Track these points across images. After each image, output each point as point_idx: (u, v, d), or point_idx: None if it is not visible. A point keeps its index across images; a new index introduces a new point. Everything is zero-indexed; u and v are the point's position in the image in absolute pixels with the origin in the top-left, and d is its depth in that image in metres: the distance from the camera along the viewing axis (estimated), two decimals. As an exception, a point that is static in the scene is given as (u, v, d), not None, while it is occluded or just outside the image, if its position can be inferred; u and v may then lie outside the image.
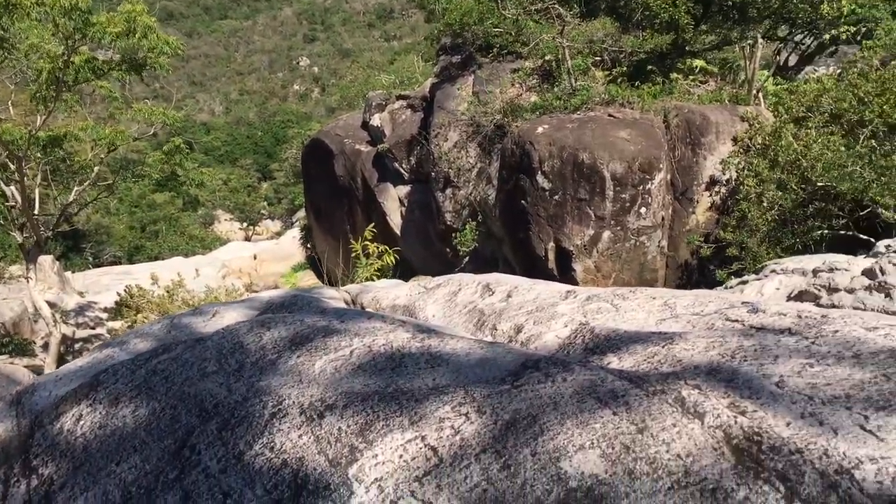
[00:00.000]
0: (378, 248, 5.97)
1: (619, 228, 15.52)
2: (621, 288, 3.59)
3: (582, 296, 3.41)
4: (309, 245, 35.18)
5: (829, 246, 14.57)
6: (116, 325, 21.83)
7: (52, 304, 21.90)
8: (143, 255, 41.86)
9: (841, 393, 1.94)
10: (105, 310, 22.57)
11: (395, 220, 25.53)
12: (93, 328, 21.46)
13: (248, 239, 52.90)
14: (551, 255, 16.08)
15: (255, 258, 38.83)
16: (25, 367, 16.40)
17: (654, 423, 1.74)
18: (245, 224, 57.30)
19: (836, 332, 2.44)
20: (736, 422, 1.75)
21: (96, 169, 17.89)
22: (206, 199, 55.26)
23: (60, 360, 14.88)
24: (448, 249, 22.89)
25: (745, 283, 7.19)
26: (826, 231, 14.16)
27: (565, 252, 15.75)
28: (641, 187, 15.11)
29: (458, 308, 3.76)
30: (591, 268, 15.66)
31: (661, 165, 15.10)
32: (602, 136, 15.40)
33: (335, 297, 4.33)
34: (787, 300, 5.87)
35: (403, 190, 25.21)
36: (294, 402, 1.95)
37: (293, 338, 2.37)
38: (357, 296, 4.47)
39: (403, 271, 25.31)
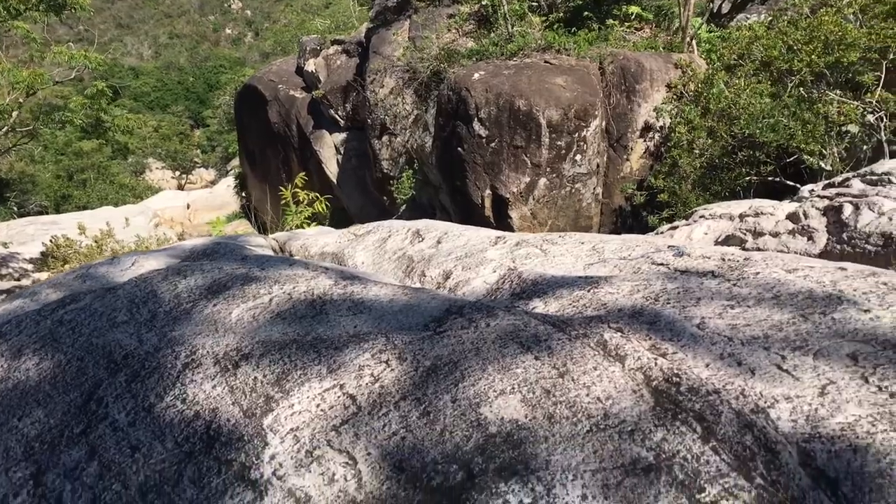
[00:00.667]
0: (309, 195, 5.84)
1: (554, 176, 15.59)
2: (551, 234, 3.58)
3: (511, 241, 3.39)
4: (244, 194, 34.58)
5: (756, 192, 14.92)
6: (42, 276, 21.17)
7: (-28, 257, 21.11)
8: (71, 204, 40.52)
9: (760, 333, 1.96)
10: (30, 261, 21.81)
11: (332, 168, 25.21)
12: (17, 279, 20.75)
13: (181, 188, 51.72)
14: (488, 203, 16.10)
15: (188, 207, 38.04)
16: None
17: (576, 367, 1.72)
18: (178, 173, 55.89)
19: (758, 273, 2.46)
20: (656, 364, 1.74)
21: (14, 114, 17.11)
22: (136, 147, 53.64)
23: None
24: (385, 197, 22.75)
25: (675, 228, 7.29)
26: (753, 178, 14.49)
27: (502, 199, 15.78)
28: (577, 134, 15.16)
29: (388, 255, 3.70)
30: (527, 215, 15.74)
31: (596, 112, 15.14)
32: (538, 83, 15.34)
33: (262, 244, 4.23)
34: (715, 244, 5.97)
35: (339, 137, 24.86)
36: (208, 351, 1.88)
37: (210, 286, 2.28)
38: (285, 243, 4.37)
39: (341, 219, 25.18)
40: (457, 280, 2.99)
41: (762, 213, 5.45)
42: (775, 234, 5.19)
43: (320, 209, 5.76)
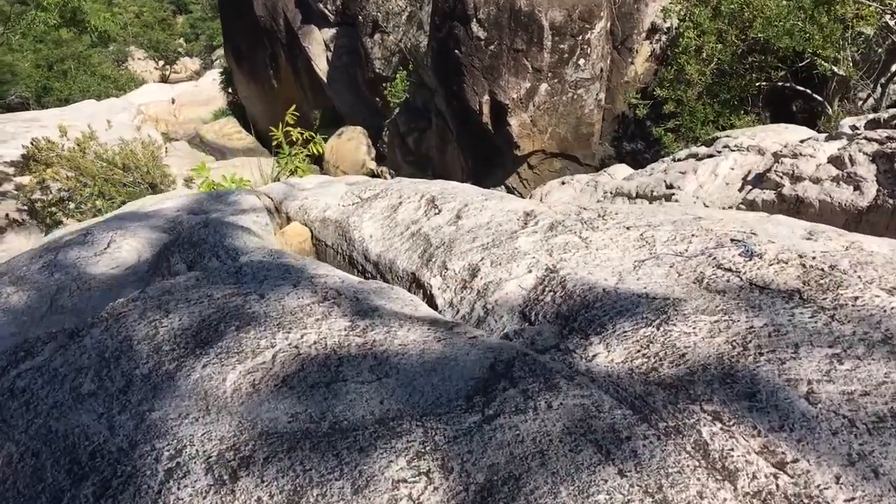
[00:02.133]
0: (302, 134, 5.31)
1: (556, 81, 14.91)
2: (587, 208, 3.13)
3: (544, 222, 2.94)
4: (230, 90, 33.50)
5: (765, 99, 14.35)
6: (24, 180, 20.53)
7: (-49, 160, 20.42)
8: (53, 97, 39.35)
9: (885, 411, 1.57)
10: (11, 164, 21.10)
11: (321, 65, 24.24)
12: (-1, 185, 20.13)
13: (164, 79, 50.10)
14: (486, 109, 15.45)
15: (173, 103, 36.93)
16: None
17: (675, 494, 1.33)
18: (161, 63, 53.99)
19: (857, 299, 2.05)
20: (778, 486, 1.35)
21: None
22: (116, 35, 51.60)
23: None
24: (378, 99, 21.94)
25: (695, 156, 6.82)
26: (763, 84, 13.89)
27: (501, 106, 15.13)
28: (581, 37, 14.39)
29: (400, 229, 3.25)
30: (526, 122, 15.15)
31: (601, 13, 14.34)
32: (541, -18, 14.44)
33: (256, 206, 3.76)
34: (745, 184, 5.53)
35: (329, 33, 23.80)
36: (198, 450, 1.47)
37: (199, 330, 1.85)
38: (282, 203, 3.90)
39: (332, 120, 24.36)
40: (486, 281, 2.57)
41: (801, 153, 4.98)
42: (816, 181, 4.74)
43: (316, 151, 5.25)
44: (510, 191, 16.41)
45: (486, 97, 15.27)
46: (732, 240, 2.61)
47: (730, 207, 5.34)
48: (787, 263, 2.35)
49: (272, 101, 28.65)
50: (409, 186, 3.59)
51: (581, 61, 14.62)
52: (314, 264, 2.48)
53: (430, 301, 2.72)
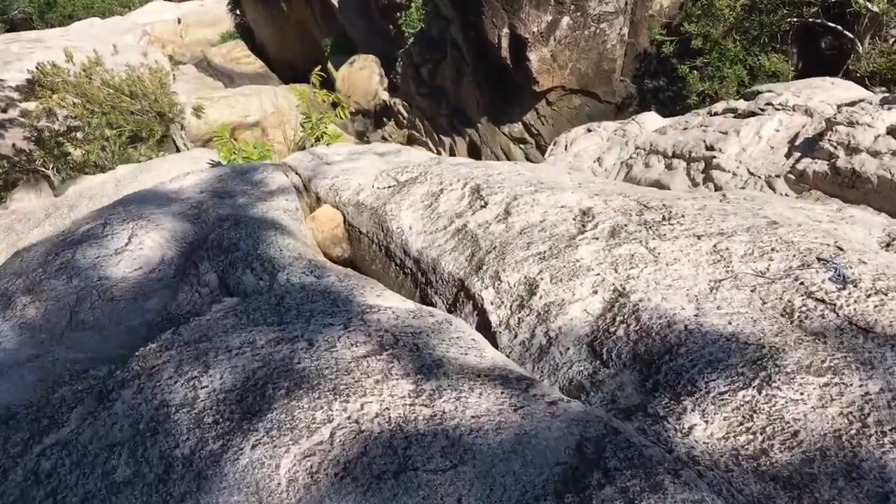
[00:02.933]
0: (328, 96, 4.98)
1: (578, 14, 14.36)
2: (650, 205, 2.87)
3: (604, 226, 2.69)
4: (238, 11, 32.60)
5: (794, 37, 13.82)
6: (31, 106, 20.13)
7: (-45, 85, 20.01)
8: (56, 13, 38.53)
9: None
10: (16, 88, 20.67)
11: (333, -10, 23.48)
12: (3, 110, 19.76)
13: (170, -4, 48.78)
14: (505, 43, 14.93)
15: (179, 23, 36.03)
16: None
17: None
18: (166, -24, 52.49)
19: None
20: None
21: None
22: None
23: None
24: (391, 27, 21.30)
25: (734, 111, 6.48)
26: (794, 20, 13.35)
27: (520, 40, 14.60)
28: (606, -32, 13.79)
29: (443, 222, 3.00)
30: (546, 57, 14.64)
31: (629, -57, 13.68)
32: None
33: (284, 186, 3.50)
34: (792, 150, 5.23)
35: (340, -44, 22.95)
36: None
37: (244, 394, 1.63)
38: (311, 181, 3.63)
39: (345, 47, 23.67)
40: (546, 301, 2.33)
41: (857, 122, 4.66)
42: (875, 154, 4.44)
43: (343, 115, 4.94)
44: (527, 128, 16.02)
45: (506, 30, 14.72)
46: (819, 258, 2.36)
47: (777, 176, 5.05)
48: (886, 295, 2.11)
49: (282, 26, 27.88)
50: (450, 170, 3.32)
51: (605, -6, 14.06)
52: (360, 287, 2.24)
53: (482, 316, 2.49)
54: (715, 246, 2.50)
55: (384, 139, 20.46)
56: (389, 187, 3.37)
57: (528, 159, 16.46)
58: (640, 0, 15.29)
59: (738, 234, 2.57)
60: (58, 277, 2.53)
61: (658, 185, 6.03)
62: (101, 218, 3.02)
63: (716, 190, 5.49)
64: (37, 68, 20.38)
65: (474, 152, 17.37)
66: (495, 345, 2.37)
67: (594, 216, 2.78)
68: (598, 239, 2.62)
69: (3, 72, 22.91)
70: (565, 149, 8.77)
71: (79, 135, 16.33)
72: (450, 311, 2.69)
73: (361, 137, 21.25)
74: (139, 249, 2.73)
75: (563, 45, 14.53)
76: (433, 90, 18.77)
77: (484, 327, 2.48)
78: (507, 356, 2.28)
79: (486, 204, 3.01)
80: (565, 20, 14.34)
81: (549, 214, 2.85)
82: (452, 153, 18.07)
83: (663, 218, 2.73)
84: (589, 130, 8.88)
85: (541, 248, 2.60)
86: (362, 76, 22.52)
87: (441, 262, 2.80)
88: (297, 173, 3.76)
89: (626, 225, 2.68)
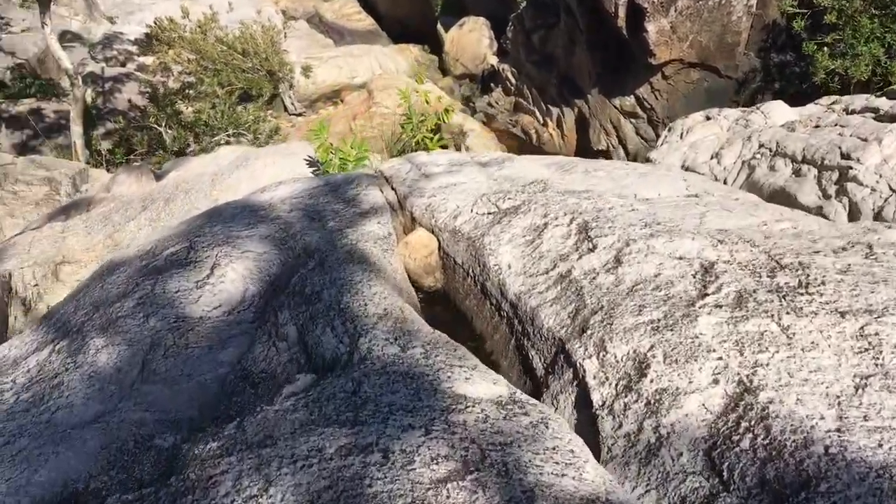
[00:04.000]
0: (428, 95, 4.72)
1: (703, -16, 13.55)
2: (781, 262, 2.51)
3: (728, 289, 2.36)
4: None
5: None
6: (148, 60, 20.67)
7: (77, 37, 20.73)
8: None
9: None
10: (135, 42, 21.23)
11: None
12: (122, 64, 20.34)
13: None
14: (622, 13, 14.28)
15: (292, -23, 36.30)
16: (54, 111, 15.64)
17: None
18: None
19: None
20: None
21: None
22: None
23: (86, 114, 14.04)
24: (504, -11, 20.77)
25: (875, 111, 5.89)
26: (945, -4, 12.22)
27: (639, 9, 13.91)
28: (736, -65, 12.92)
29: (545, 264, 2.73)
30: (665, 28, 13.92)
31: None
32: None
33: (377, 205, 3.28)
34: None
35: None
36: None
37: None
38: (406, 198, 3.41)
39: (457, 7, 23.19)
40: (658, 387, 2.04)
41: None
42: None
43: (446, 119, 4.68)
44: (640, 102, 15.34)
45: (624, -2, 14.06)
46: None
47: (926, 198, 4.52)
48: None
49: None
50: (557, 201, 3.03)
51: (733, -38, 13.20)
52: (447, 367, 2.00)
53: (583, 389, 2.23)
54: (862, 329, 2.15)
55: (490, 105, 20.09)
56: (489, 214, 3.11)
57: (638, 135, 15.83)
58: (772, -31, 14.32)
59: (890, 312, 2.20)
60: (134, 316, 2.40)
61: (783, 193, 5.55)
62: (187, 239, 2.89)
63: (850, 206, 4.99)
64: (154, 23, 20.89)
65: (583, 124, 16.83)
66: (595, 429, 2.11)
67: (717, 275, 2.46)
68: (721, 307, 2.30)
69: (123, 24, 23.56)
70: (681, 137, 8.27)
71: (191, 93, 16.64)
72: (546, 373, 2.43)
73: (468, 102, 20.93)
74: (220, 283, 2.57)
75: (684, 15, 13.76)
76: (543, 57, 18.24)
77: (584, 403, 2.22)
78: (609, 449, 2.02)
79: (595, 247, 2.72)
80: (689, -10, 13.56)
81: (665, 268, 2.54)
82: (560, 124, 17.58)
83: (799, 283, 2.38)
84: (708, 118, 8.34)
85: (654, 315, 2.30)
86: (471, 39, 22.12)
87: (541, 314, 2.53)
88: (392, 187, 3.55)
89: (754, 291, 2.35)
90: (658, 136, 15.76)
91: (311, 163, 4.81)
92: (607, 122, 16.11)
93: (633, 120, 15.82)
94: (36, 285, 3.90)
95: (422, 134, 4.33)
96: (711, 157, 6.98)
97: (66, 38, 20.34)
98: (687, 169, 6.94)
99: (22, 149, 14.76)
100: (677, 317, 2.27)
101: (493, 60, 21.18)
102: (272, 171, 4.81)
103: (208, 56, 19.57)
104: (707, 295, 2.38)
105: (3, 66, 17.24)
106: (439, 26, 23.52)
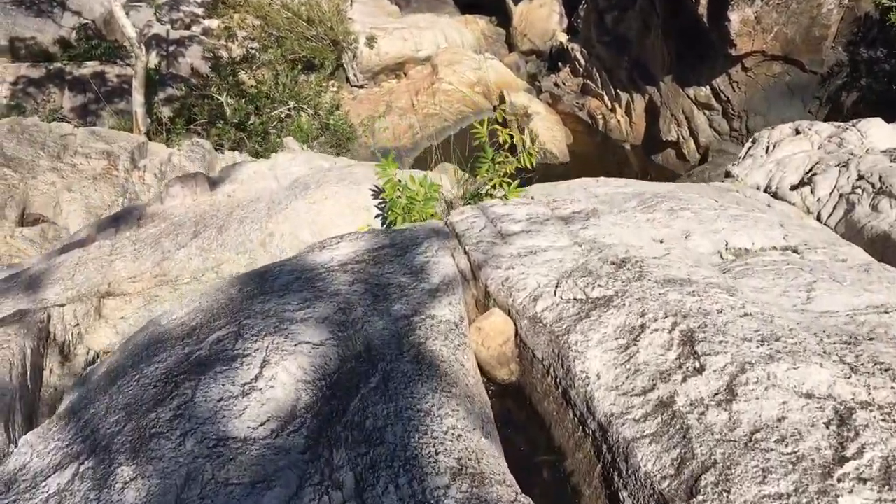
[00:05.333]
0: (512, 136, 4.29)
1: (794, -27, 12.77)
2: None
3: (872, 456, 1.95)
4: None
5: None
6: (213, 23, 20.47)
7: (144, -3, 20.57)
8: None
9: None
10: (201, 4, 21.04)
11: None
12: (187, 27, 20.16)
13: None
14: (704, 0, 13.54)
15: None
16: (117, 75, 15.53)
17: None
18: None
19: None
20: None
21: None
22: None
23: (148, 82, 13.87)
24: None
25: None
26: None
27: (723, -4, 13.18)
28: (834, -78, 12.09)
29: (641, 382, 2.34)
30: (749, 19, 13.17)
31: None
32: None
33: (448, 277, 2.91)
34: None
35: None
36: None
37: None
38: (480, 267, 3.03)
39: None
40: None
41: None
42: None
43: (528, 163, 4.26)
44: (715, 93, 14.62)
45: (707, -15, 13.33)
46: None
47: None
48: None
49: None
50: (655, 296, 2.62)
51: (829, -50, 12.38)
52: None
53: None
54: None
55: (556, 86, 19.45)
56: (576, 301, 2.72)
57: (711, 127, 15.14)
58: (869, -41, 13.41)
59: None
60: (170, 435, 2.09)
61: (887, 239, 5.03)
62: (235, 320, 2.56)
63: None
64: (225, -15, 20.67)
65: (653, 112, 16.16)
66: None
67: (857, 430, 2.04)
68: (864, 482, 1.89)
69: (191, -17, 23.34)
70: (766, 151, 7.71)
71: (254, 65, 16.39)
72: (642, 528, 2.07)
73: (533, 81, 20.31)
74: (270, 387, 2.25)
75: (770, 6, 12.98)
76: (616, 39, 17.51)
77: (691, 590, 1.85)
78: None
79: (703, 368, 2.32)
80: (778, -21, 12.78)
81: (790, 409, 2.13)
82: (629, 110, 16.92)
83: (961, 451, 1.96)
84: (797, 132, 7.75)
85: (782, 487, 1.90)
86: (541, 14, 21.39)
87: (636, 452, 2.16)
88: (464, 250, 3.18)
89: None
90: (732, 129, 15.04)
91: (377, 193, 4.46)
92: (679, 111, 15.42)
93: (706, 111, 15.11)
94: (77, 325, 3.65)
95: (498, 177, 3.93)
96: (802, 183, 6.43)
97: (133, -2, 20.24)
98: (775, 194, 6.41)
99: (83, 112, 14.69)
100: (811, 493, 1.88)
101: (563, 38, 20.47)
102: (333, 206, 4.47)
103: (273, 22, 19.28)
104: (846, 459, 1.97)
105: (70, 25, 17.17)
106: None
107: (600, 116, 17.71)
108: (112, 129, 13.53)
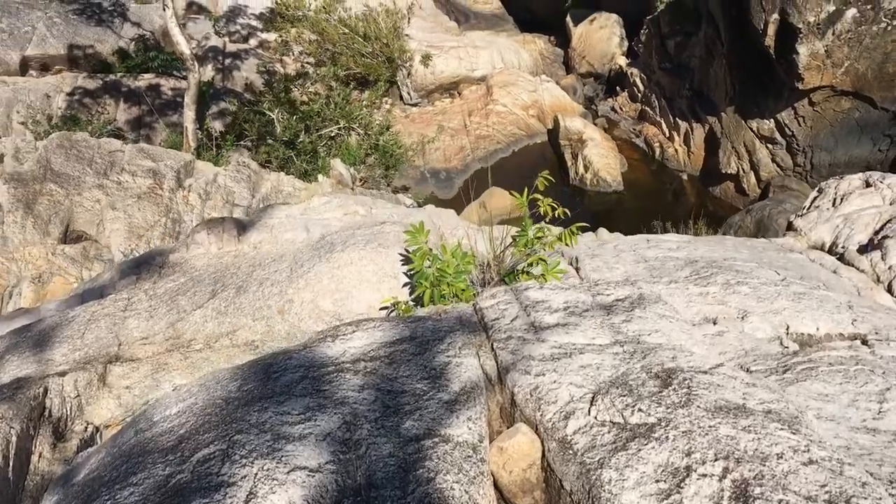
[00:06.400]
0: (553, 206, 3.98)
1: (869, 7, 12.21)
2: None
3: None
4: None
5: None
6: (270, 37, 20.50)
7: (203, 8, 20.75)
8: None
9: None
10: (258, 17, 21.09)
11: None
12: (245, 39, 20.21)
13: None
14: (771, 30, 13.05)
15: (422, -49, 35.72)
16: (171, 88, 15.59)
17: None
18: None
19: None
20: None
21: None
22: None
23: (200, 98, 13.85)
24: (640, -11, 19.58)
25: None
26: None
27: (791, 28, 12.67)
28: (915, -44, 11.51)
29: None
30: (819, 53, 12.61)
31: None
32: None
33: (471, 384, 2.60)
34: None
35: None
36: None
37: None
38: (508, 371, 2.71)
39: (588, 0, 22.00)
40: None
41: None
42: None
43: (567, 242, 3.92)
44: (780, 126, 14.04)
45: (776, 15, 12.81)
46: None
47: None
48: None
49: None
50: (704, 429, 2.27)
51: (908, -15, 11.79)
52: None
53: None
54: None
55: (613, 110, 19.01)
56: (613, 425, 2.38)
57: (773, 162, 14.55)
58: (950, -8, 12.75)
59: None
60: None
61: (970, 323, 4.55)
62: (226, 435, 2.29)
63: None
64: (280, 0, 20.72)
65: (713, 143, 15.62)
66: None
67: None
68: None
69: (249, -3, 23.47)
70: (833, 204, 7.23)
71: (307, 83, 16.30)
72: None
73: (590, 104, 19.90)
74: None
75: (842, 40, 12.41)
76: (677, 67, 17.03)
77: None
78: None
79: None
80: (850, 12, 12.21)
81: None
82: (687, 139, 16.40)
83: None
84: (867, 185, 7.26)
85: None
86: (601, 36, 20.97)
87: None
88: (491, 345, 2.87)
89: None
90: (796, 164, 14.43)
91: (406, 260, 4.18)
92: (740, 144, 14.87)
93: (769, 145, 14.54)
94: (77, 396, 3.43)
95: (537, 257, 3.61)
96: (872, 245, 5.96)
97: (192, 9, 20.39)
98: (841, 256, 5.95)
99: (136, 124, 14.76)
100: None
101: (622, 62, 20.03)
102: (357, 273, 4.20)
103: (329, 38, 19.21)
104: None
105: (129, 36, 17.32)
106: (568, 19, 22.40)
107: (657, 144, 17.21)
108: (163, 143, 13.54)
